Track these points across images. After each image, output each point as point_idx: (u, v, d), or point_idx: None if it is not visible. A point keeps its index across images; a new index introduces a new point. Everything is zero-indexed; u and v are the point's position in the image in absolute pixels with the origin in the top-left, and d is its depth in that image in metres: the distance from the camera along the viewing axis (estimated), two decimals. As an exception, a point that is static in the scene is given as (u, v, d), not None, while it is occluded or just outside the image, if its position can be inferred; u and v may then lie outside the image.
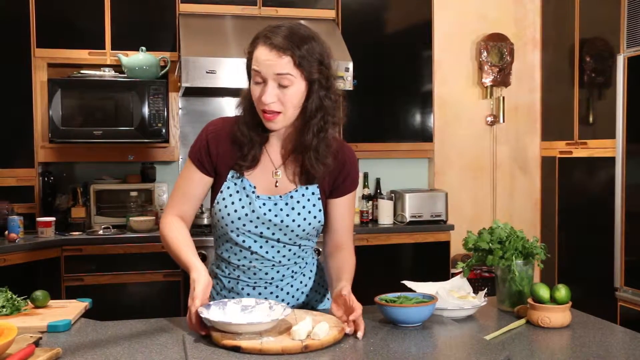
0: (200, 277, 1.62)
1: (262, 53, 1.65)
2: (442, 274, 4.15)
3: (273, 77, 1.65)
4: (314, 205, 1.79)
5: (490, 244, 1.88)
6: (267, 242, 1.79)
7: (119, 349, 1.51)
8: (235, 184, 1.78)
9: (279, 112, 1.68)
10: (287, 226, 1.76)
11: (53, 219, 3.83)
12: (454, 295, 1.85)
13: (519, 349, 1.54)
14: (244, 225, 1.77)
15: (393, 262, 4.19)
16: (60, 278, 3.70)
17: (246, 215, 1.76)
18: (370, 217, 4.37)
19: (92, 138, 3.95)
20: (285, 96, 1.66)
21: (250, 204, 1.76)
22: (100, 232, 3.91)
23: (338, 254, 1.84)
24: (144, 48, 4.01)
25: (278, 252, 1.81)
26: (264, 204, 1.76)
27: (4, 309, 1.75)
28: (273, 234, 1.78)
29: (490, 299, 1.97)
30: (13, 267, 3.48)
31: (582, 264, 4.36)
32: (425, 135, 4.53)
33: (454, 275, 4.01)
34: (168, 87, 4.07)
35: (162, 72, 4.07)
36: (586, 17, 4.30)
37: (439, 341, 1.58)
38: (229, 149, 1.78)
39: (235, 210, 1.77)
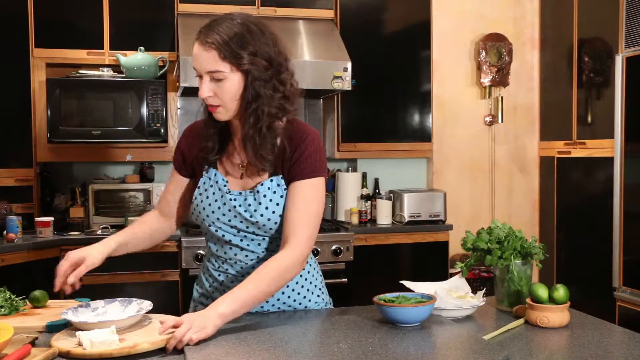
0: (89, 248, 1.78)
1: (195, 49, 1.69)
2: (440, 273, 4.15)
3: (205, 72, 1.68)
4: (281, 196, 1.76)
5: (489, 244, 1.88)
6: (245, 236, 1.79)
7: (117, 349, 1.51)
8: (210, 179, 1.82)
9: (219, 105, 1.70)
10: (257, 221, 1.76)
11: (51, 219, 3.83)
12: (453, 295, 1.85)
13: (518, 349, 1.54)
14: (218, 219, 1.79)
15: (391, 262, 4.19)
16: (58, 278, 3.70)
17: (219, 208, 1.79)
18: (369, 217, 4.37)
19: (90, 138, 3.95)
20: (220, 90, 1.68)
21: (222, 197, 1.79)
22: (99, 232, 3.91)
23: (278, 252, 1.73)
24: (142, 48, 4.01)
25: (259, 244, 1.80)
26: (235, 199, 1.78)
27: (3, 309, 1.76)
28: (247, 227, 1.78)
29: (489, 299, 1.97)
30: (11, 267, 3.48)
31: (580, 264, 4.36)
32: (423, 135, 4.53)
33: (452, 275, 4.02)
34: (166, 87, 4.07)
35: (161, 72, 4.07)
36: (585, 17, 4.30)
37: (437, 341, 1.58)
38: (200, 147, 1.84)
39: (210, 205, 1.80)
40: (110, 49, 4.04)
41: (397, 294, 1.73)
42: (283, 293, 1.86)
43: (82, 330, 1.54)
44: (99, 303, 1.72)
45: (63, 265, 1.71)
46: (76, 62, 4.03)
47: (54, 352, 1.44)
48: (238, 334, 1.60)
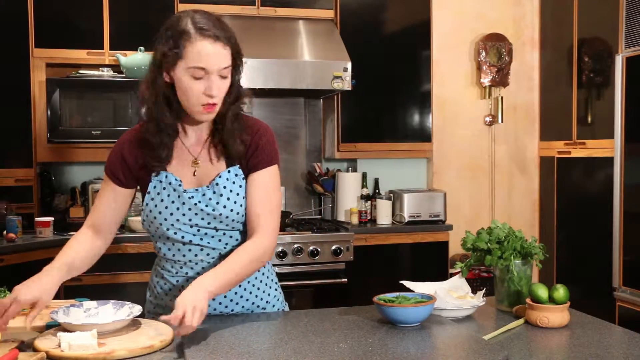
0: (36, 277, 1.63)
1: (206, 47, 1.63)
2: (440, 274, 4.15)
3: (217, 70, 1.65)
4: (240, 186, 1.77)
5: (489, 244, 1.88)
6: (205, 233, 1.78)
7: (117, 349, 1.51)
8: (161, 182, 1.78)
9: (216, 103, 1.69)
10: (220, 214, 1.75)
11: (51, 219, 3.83)
12: (453, 295, 1.85)
13: (518, 349, 1.54)
14: (178, 220, 1.76)
15: (391, 262, 4.19)
16: (58, 278, 3.70)
17: (177, 209, 1.76)
18: (369, 217, 4.37)
19: (90, 138, 3.95)
20: (223, 87, 1.68)
21: (179, 197, 1.76)
22: (99, 232, 3.91)
23: (247, 241, 1.75)
24: (142, 48, 4.00)
25: (219, 240, 1.79)
26: (193, 197, 1.76)
27: (3, 309, 1.75)
28: (209, 223, 1.76)
29: (489, 299, 1.97)
30: (11, 267, 3.48)
31: (580, 264, 4.36)
32: (423, 135, 4.53)
33: (452, 275, 4.02)
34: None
35: (161, 72, 4.06)
36: (585, 17, 4.30)
37: (437, 341, 1.58)
38: (144, 153, 1.78)
39: (166, 207, 1.76)
40: (110, 49, 4.04)
41: (397, 294, 1.74)
42: (240, 286, 1.83)
43: (66, 331, 1.53)
44: (92, 304, 1.72)
45: (13, 309, 1.55)
46: (76, 62, 4.02)
47: (42, 357, 1.43)
48: (238, 334, 1.60)
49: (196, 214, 1.75)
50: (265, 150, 1.78)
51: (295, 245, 3.89)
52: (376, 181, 4.60)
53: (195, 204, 1.75)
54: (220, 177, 1.76)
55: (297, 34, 4.22)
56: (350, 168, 4.57)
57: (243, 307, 1.86)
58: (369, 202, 4.39)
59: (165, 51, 1.65)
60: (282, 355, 1.43)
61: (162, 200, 1.77)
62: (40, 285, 1.62)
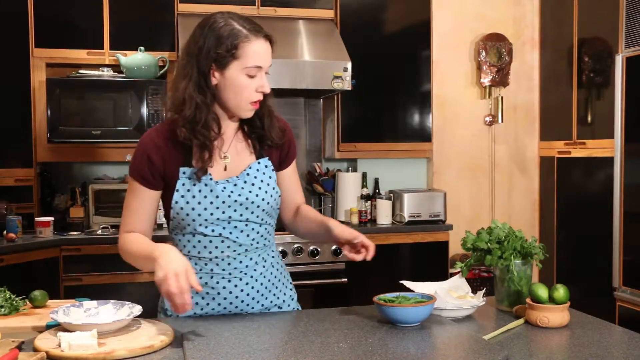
0: (172, 250, 1.61)
1: (262, 47, 1.73)
2: (440, 273, 4.14)
3: (268, 67, 1.76)
4: (270, 177, 1.85)
5: (489, 244, 1.88)
6: (235, 227, 1.80)
7: (117, 349, 1.51)
8: (190, 179, 1.78)
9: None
10: (252, 202, 1.79)
11: (51, 218, 3.83)
12: (453, 295, 1.85)
13: (518, 349, 1.54)
14: (212, 214, 1.77)
15: (391, 262, 4.19)
16: (58, 278, 3.70)
17: (211, 203, 1.77)
18: (369, 217, 4.37)
19: (90, 138, 3.95)
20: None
21: (212, 191, 1.77)
22: (99, 232, 3.91)
23: (300, 210, 1.97)
24: (142, 48, 4.01)
25: (247, 235, 1.82)
26: (225, 188, 1.78)
27: (3, 309, 1.76)
28: (241, 214, 1.79)
29: (489, 299, 1.97)
30: (11, 267, 3.48)
31: (580, 264, 4.36)
32: (423, 135, 4.53)
33: (452, 275, 4.02)
34: (167, 87, 4.06)
35: (161, 72, 4.07)
36: (585, 17, 4.30)
37: (437, 341, 1.58)
38: (173, 152, 1.77)
39: (199, 203, 1.77)
40: (110, 49, 4.04)
41: (397, 293, 1.74)
42: (261, 284, 1.86)
43: (66, 330, 1.54)
44: (92, 304, 1.72)
45: (185, 283, 1.53)
46: (76, 62, 4.03)
47: (42, 357, 1.43)
48: (238, 334, 1.60)
49: (229, 206, 1.78)
50: (294, 144, 1.95)
51: (295, 245, 3.89)
52: (376, 181, 4.60)
53: (229, 195, 1.78)
54: (250, 167, 1.82)
55: (297, 34, 4.22)
56: (350, 168, 4.57)
57: (263, 305, 1.88)
58: (369, 202, 4.39)
59: (221, 52, 1.69)
60: (282, 355, 1.43)
61: (193, 197, 1.77)
62: (176, 254, 1.60)
